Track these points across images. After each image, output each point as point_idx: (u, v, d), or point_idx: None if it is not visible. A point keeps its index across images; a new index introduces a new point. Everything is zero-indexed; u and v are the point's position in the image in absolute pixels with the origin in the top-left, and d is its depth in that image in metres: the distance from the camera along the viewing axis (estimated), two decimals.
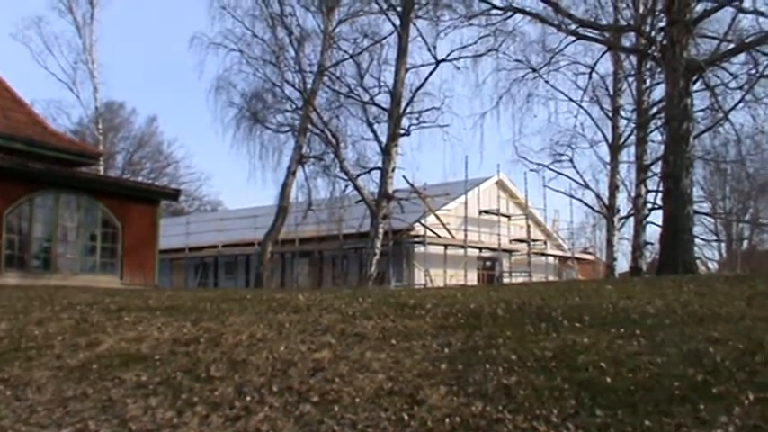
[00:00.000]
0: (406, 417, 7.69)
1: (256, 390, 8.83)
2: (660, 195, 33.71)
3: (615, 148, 40.09)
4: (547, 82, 36.85)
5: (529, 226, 45.69)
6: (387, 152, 34.73)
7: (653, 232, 40.24)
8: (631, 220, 39.39)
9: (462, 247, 41.14)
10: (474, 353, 9.31)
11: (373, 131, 36.44)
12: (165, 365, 10.01)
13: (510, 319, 11.08)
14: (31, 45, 64.66)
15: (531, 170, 42.73)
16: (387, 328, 10.85)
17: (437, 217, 40.54)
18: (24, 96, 29.70)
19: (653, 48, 28.81)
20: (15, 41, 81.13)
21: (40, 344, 11.54)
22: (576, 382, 7.98)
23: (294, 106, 38.51)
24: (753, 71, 28.62)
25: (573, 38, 30.17)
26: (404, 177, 38.02)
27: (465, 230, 41.26)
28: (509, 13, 30.93)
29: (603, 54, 35.32)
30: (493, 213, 44.32)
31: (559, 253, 49.54)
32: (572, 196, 44.11)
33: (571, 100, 39.31)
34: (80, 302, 14.61)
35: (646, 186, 37.91)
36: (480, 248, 43.22)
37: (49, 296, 15.88)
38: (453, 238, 41.38)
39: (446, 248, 40.69)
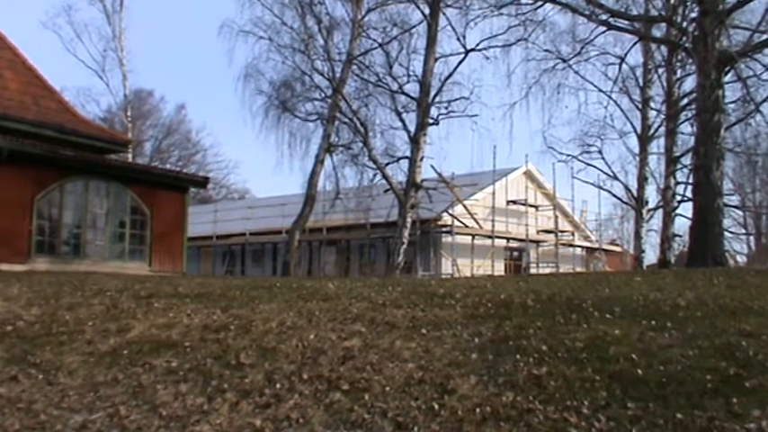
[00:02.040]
0: (436, 406, 7.70)
1: (286, 377, 8.86)
2: (689, 187, 33.58)
3: (644, 140, 39.85)
4: (576, 72, 36.69)
5: (557, 217, 45.55)
6: (415, 141, 34.66)
7: (681, 224, 40.16)
8: (660, 211, 39.19)
9: (490, 237, 41.06)
10: (504, 343, 9.29)
11: (402, 120, 36.38)
12: (195, 352, 10.05)
13: (540, 309, 11.05)
14: (61, 33, 65.27)
15: (560, 161, 42.61)
16: (417, 318, 10.84)
17: (465, 207, 40.48)
18: (54, 84, 29.90)
19: (684, 39, 28.62)
20: (46, 29, 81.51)
21: (72, 329, 11.62)
22: (607, 373, 7.95)
23: (323, 95, 38.47)
24: None
25: (603, 28, 29.99)
26: (432, 167, 38.11)
27: (492, 220, 41.19)
28: (539, 3, 30.79)
29: (634, 45, 35.11)
30: (521, 204, 44.23)
31: (587, 244, 49.33)
32: (600, 187, 43.97)
33: (601, 91, 39.13)
34: (110, 288, 14.70)
35: (675, 178, 37.69)
36: (508, 239, 43.11)
37: (79, 282, 15.98)
38: (481, 228, 41.30)
39: (473, 238, 40.60)
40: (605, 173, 42.23)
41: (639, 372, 7.90)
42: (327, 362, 9.20)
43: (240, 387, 8.75)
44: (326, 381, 8.64)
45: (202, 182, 32.95)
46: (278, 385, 8.66)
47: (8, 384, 9.58)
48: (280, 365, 9.24)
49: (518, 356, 8.73)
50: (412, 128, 35.35)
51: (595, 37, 32.46)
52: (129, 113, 50.22)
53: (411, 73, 36.56)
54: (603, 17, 28.92)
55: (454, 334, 9.86)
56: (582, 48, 33.24)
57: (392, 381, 8.42)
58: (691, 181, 31.45)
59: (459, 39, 35.30)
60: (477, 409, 7.49)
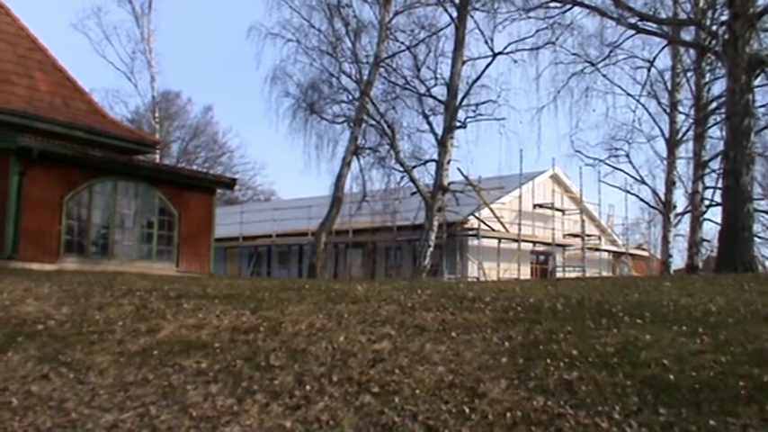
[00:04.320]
0: (467, 410, 7.68)
1: (316, 379, 8.86)
2: (718, 192, 33.42)
3: (673, 144, 39.60)
4: (605, 76, 36.58)
5: (583, 221, 45.41)
6: (442, 144, 34.67)
7: (709, 229, 39.85)
8: (688, 216, 38.98)
9: (516, 240, 41.02)
10: (534, 347, 9.26)
11: (429, 123, 36.46)
12: (224, 353, 10.08)
13: (570, 313, 10.99)
14: (90, 35, 65.46)
15: (587, 165, 42.41)
16: (446, 321, 10.82)
17: (491, 210, 40.43)
18: (83, 85, 30.08)
19: (714, 42, 28.41)
20: (76, 31, 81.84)
21: (102, 329, 11.67)
22: (638, 378, 7.91)
23: (350, 97, 38.56)
24: None
25: (632, 31, 29.84)
26: (458, 170, 37.90)
27: (519, 224, 41.17)
28: (568, 6, 30.67)
29: (663, 48, 34.97)
30: (547, 207, 44.14)
31: (613, 248, 49.13)
32: (628, 191, 43.82)
33: (629, 94, 39.01)
34: (139, 289, 14.75)
35: (703, 183, 37.46)
36: (534, 242, 43.04)
37: (108, 282, 16.04)
38: (507, 231, 41.24)
39: (500, 242, 40.62)
40: (633, 177, 42.08)
41: (671, 377, 7.85)
42: (357, 364, 9.20)
43: (270, 388, 8.77)
44: (356, 383, 8.64)
45: (230, 183, 33.05)
46: (308, 387, 8.67)
47: (40, 383, 9.66)
48: (309, 367, 9.25)
49: (548, 361, 8.70)
50: (439, 131, 35.41)
51: (624, 40, 32.44)
52: (156, 115, 50.45)
53: (438, 76, 36.64)
54: (632, 20, 28.74)
55: (484, 337, 9.83)
56: (610, 51, 33.17)
57: (422, 384, 8.41)
58: (719, 185, 31.28)
59: (486, 42, 35.32)
60: (508, 414, 7.48)
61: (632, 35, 31.09)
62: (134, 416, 8.53)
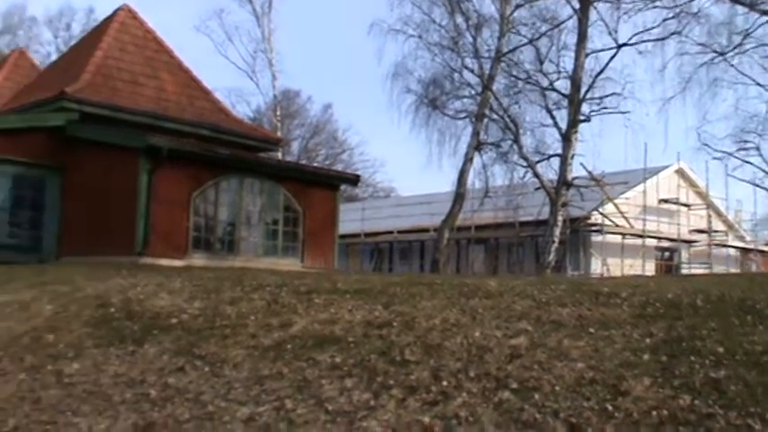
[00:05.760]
0: (610, 407, 7.50)
1: (453, 375, 8.77)
2: None
3: None
4: (732, 66, 35.48)
5: (710, 216, 44.26)
6: (566, 139, 34.19)
7: None
8: None
9: (640, 236, 40.22)
10: (677, 344, 8.98)
11: (552, 118, 35.98)
12: (358, 348, 10.05)
13: (711, 310, 10.60)
14: (212, 36, 66.14)
15: (715, 158, 41.17)
16: (583, 316, 10.58)
17: (615, 205, 39.69)
18: (207, 85, 30.61)
19: None
20: (198, 33, 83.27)
21: (234, 323, 11.80)
22: None
23: (472, 92, 38.42)
24: None
25: (766, 18, 28.91)
26: (582, 165, 37.37)
27: (643, 220, 40.36)
28: None
29: None
30: (672, 202, 43.16)
31: (741, 245, 47.72)
32: (757, 185, 42.39)
33: (759, 85, 37.74)
34: (269, 284, 14.82)
35: None
36: (659, 238, 42.13)
37: (237, 277, 16.18)
38: (631, 227, 40.46)
39: (624, 238, 39.84)
40: (763, 170, 40.69)
41: None
42: (494, 360, 9.06)
43: (406, 383, 8.71)
44: (494, 379, 8.52)
45: (353, 179, 33.19)
46: (444, 382, 8.59)
47: (176, 375, 9.83)
48: (445, 363, 9.15)
49: (693, 358, 8.43)
50: (563, 125, 34.90)
51: (756, 28, 31.39)
52: (278, 113, 51.08)
53: (561, 69, 36.15)
54: (765, 7, 27.86)
55: (623, 334, 9.58)
56: (743, 39, 32.12)
57: (562, 380, 8.24)
58: None
59: (610, 33, 34.62)
60: (654, 412, 7.27)
61: (765, 22, 30.11)
62: (270, 409, 8.59)
